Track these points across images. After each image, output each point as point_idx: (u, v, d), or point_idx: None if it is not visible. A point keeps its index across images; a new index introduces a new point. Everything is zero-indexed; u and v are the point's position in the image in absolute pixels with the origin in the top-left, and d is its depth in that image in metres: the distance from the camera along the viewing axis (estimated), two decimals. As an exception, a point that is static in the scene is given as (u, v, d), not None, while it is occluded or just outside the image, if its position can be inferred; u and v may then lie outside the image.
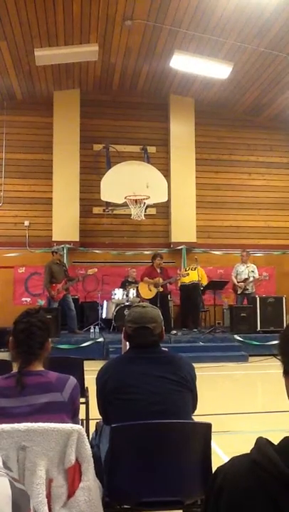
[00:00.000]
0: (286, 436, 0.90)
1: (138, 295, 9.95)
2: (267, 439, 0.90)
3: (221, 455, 3.57)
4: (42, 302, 10.81)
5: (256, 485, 0.84)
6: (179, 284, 10.59)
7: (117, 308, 9.84)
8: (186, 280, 10.26)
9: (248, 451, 0.92)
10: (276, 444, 0.90)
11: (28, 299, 11.16)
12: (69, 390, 2.06)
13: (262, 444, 0.88)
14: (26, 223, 11.25)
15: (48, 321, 2.18)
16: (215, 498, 0.91)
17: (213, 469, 1.00)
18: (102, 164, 11.36)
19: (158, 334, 2.40)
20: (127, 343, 2.51)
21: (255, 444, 0.90)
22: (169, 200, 11.15)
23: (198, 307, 10.43)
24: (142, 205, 10.22)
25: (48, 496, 1.81)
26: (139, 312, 2.42)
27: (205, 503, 0.96)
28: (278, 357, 0.99)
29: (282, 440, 0.90)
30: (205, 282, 10.34)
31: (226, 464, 0.95)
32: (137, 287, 10.07)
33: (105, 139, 11.53)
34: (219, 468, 0.95)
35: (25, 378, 2.00)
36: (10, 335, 2.10)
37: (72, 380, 2.12)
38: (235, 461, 0.93)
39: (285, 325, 9.89)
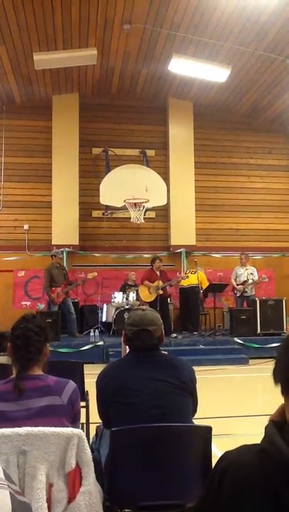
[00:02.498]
0: None
1: (138, 298, 9.95)
2: (278, 427, 0.88)
3: (221, 458, 3.56)
4: (42, 306, 10.80)
5: (260, 474, 0.83)
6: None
7: (117, 311, 9.83)
8: (185, 283, 10.26)
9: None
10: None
11: (28, 303, 11.15)
12: (68, 393, 2.06)
13: (270, 431, 0.87)
14: (26, 227, 11.25)
15: (46, 326, 2.18)
16: (217, 482, 0.90)
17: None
18: (102, 168, 11.37)
19: (158, 337, 2.40)
20: (127, 347, 2.51)
21: (265, 433, 0.88)
22: (168, 204, 11.16)
23: (198, 310, 10.42)
24: (142, 208, 10.23)
25: (49, 500, 1.80)
26: (139, 315, 2.43)
27: (207, 486, 0.95)
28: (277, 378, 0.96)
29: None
30: (204, 286, 10.33)
31: (233, 450, 0.94)
32: (137, 290, 10.07)
33: (104, 142, 11.56)
34: (226, 453, 0.94)
35: (24, 382, 2.00)
36: (8, 341, 2.12)
37: (72, 384, 2.12)
38: (243, 448, 0.92)
39: (285, 327, 9.90)
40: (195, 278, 10.20)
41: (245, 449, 0.91)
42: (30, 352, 2.06)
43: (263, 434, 0.89)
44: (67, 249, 10.98)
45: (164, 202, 10.65)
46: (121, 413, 2.24)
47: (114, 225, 11.48)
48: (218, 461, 0.93)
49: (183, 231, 11.58)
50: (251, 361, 8.73)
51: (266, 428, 0.89)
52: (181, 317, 10.98)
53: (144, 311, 2.48)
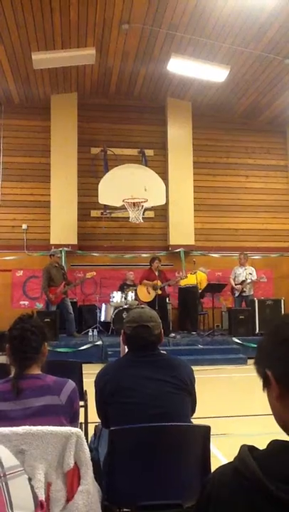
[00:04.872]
0: (272, 440, 0.89)
1: (136, 298, 9.95)
2: (249, 446, 0.89)
3: (220, 458, 3.56)
4: (40, 306, 10.79)
5: (239, 493, 0.84)
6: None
7: (116, 311, 9.83)
8: (182, 283, 10.27)
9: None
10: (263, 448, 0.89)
11: (26, 303, 11.14)
12: (67, 392, 2.06)
13: (243, 451, 0.88)
14: (24, 226, 11.24)
15: (42, 326, 2.19)
16: (204, 507, 0.91)
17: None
18: (100, 167, 11.37)
19: (157, 334, 2.40)
20: (126, 346, 2.51)
21: (238, 451, 0.89)
22: (167, 203, 11.16)
23: (196, 310, 10.42)
24: (140, 208, 10.23)
25: (47, 499, 1.80)
26: (138, 312, 2.44)
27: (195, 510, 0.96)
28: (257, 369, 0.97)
29: (268, 445, 0.89)
30: (203, 286, 10.34)
31: (214, 472, 0.95)
32: (136, 290, 10.07)
33: (103, 142, 11.55)
34: (207, 478, 0.95)
35: (23, 382, 2.01)
36: (6, 342, 2.14)
37: (70, 384, 2.13)
38: (220, 470, 0.93)
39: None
40: (194, 278, 10.21)
41: (222, 470, 0.92)
42: (28, 352, 2.07)
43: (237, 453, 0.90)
44: (65, 248, 10.97)
45: (163, 202, 10.65)
46: (119, 413, 2.24)
47: (113, 224, 11.47)
48: (202, 485, 0.95)
49: (181, 231, 11.59)
50: (250, 361, 8.73)
51: (241, 446, 0.90)
52: (180, 317, 10.99)
53: (143, 308, 2.49)
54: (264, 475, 0.81)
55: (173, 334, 9.71)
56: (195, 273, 10.27)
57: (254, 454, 0.87)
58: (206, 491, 0.92)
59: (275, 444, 0.88)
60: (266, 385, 0.95)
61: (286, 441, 0.88)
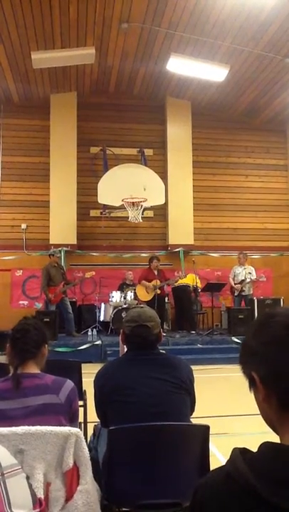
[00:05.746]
0: (263, 442, 0.87)
1: (136, 297, 9.95)
2: (241, 449, 0.88)
3: (219, 457, 3.57)
4: (39, 305, 10.79)
5: (231, 498, 0.83)
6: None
7: (115, 310, 9.82)
8: (177, 283, 10.28)
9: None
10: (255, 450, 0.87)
11: (26, 302, 11.14)
12: (66, 392, 2.07)
13: (234, 454, 0.86)
14: (23, 226, 11.24)
15: (44, 327, 2.25)
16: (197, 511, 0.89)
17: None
18: (99, 167, 11.37)
19: (156, 334, 2.40)
20: (125, 346, 2.51)
21: (230, 455, 0.88)
22: (166, 203, 11.15)
23: (192, 309, 10.41)
24: (139, 207, 10.23)
25: (46, 499, 1.80)
26: (137, 312, 2.44)
27: None
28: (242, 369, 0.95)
29: (259, 447, 0.87)
30: (198, 284, 10.34)
31: (204, 478, 0.93)
32: (135, 290, 10.07)
33: (102, 141, 11.55)
34: (198, 483, 0.93)
35: (22, 381, 2.02)
36: (8, 341, 2.18)
37: (69, 383, 2.14)
38: (212, 474, 0.91)
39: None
40: (192, 278, 10.21)
41: (213, 475, 0.90)
42: (29, 344, 2.11)
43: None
44: (65, 248, 10.97)
45: (162, 201, 10.65)
46: (119, 412, 2.23)
47: (112, 224, 11.47)
48: (193, 494, 0.92)
49: (181, 230, 11.58)
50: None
51: (232, 450, 0.89)
52: (177, 316, 10.99)
53: (142, 308, 2.50)
54: (256, 478, 0.80)
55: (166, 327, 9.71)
56: (185, 276, 10.22)
57: (246, 456, 0.85)
58: (198, 497, 0.90)
59: (266, 447, 0.86)
60: (252, 386, 0.93)
61: (277, 443, 0.86)
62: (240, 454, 0.86)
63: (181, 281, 10.20)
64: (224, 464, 0.89)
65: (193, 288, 10.21)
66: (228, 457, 0.89)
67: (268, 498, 0.77)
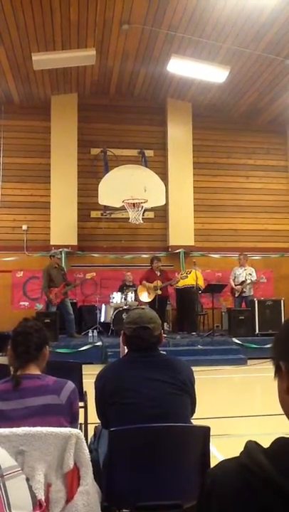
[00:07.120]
0: (278, 438, 0.87)
1: (136, 299, 9.95)
2: (257, 443, 0.87)
3: (219, 458, 3.56)
4: (40, 306, 10.79)
5: (245, 489, 0.82)
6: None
7: (116, 311, 9.83)
8: (180, 284, 10.26)
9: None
10: (267, 446, 0.87)
11: (26, 303, 11.14)
12: (66, 393, 2.08)
13: (252, 448, 0.86)
14: (24, 227, 11.25)
15: (44, 329, 2.25)
16: (206, 504, 0.89)
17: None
18: (100, 168, 11.37)
19: (157, 335, 2.40)
20: (125, 347, 2.51)
21: (245, 447, 0.87)
22: (166, 204, 11.16)
23: (194, 311, 10.40)
24: (140, 208, 10.23)
25: (47, 500, 1.80)
26: (138, 313, 2.43)
27: (197, 509, 0.95)
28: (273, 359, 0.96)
29: (273, 442, 0.87)
30: (202, 283, 10.32)
31: (214, 467, 0.92)
32: (135, 291, 10.07)
33: (103, 142, 11.55)
34: (208, 473, 0.93)
35: (23, 381, 2.02)
36: (8, 343, 2.19)
37: (70, 384, 2.14)
38: (223, 464, 0.91)
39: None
40: (193, 278, 10.20)
41: (225, 465, 0.90)
42: (30, 347, 2.11)
43: (243, 448, 0.89)
44: (65, 249, 10.98)
45: (163, 202, 10.65)
46: (119, 413, 2.23)
47: (113, 225, 11.47)
48: (202, 484, 0.92)
49: (181, 231, 11.59)
50: (249, 361, 8.73)
51: (247, 442, 0.88)
52: (178, 318, 10.98)
53: (143, 309, 2.49)
54: (276, 471, 0.79)
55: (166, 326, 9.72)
56: (190, 272, 10.23)
57: (263, 449, 0.85)
58: (206, 489, 0.89)
59: (281, 442, 0.86)
60: (278, 374, 0.94)
61: None
62: (257, 447, 0.86)
63: (185, 282, 10.19)
64: (236, 456, 0.89)
65: (196, 287, 10.19)
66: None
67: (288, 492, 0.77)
